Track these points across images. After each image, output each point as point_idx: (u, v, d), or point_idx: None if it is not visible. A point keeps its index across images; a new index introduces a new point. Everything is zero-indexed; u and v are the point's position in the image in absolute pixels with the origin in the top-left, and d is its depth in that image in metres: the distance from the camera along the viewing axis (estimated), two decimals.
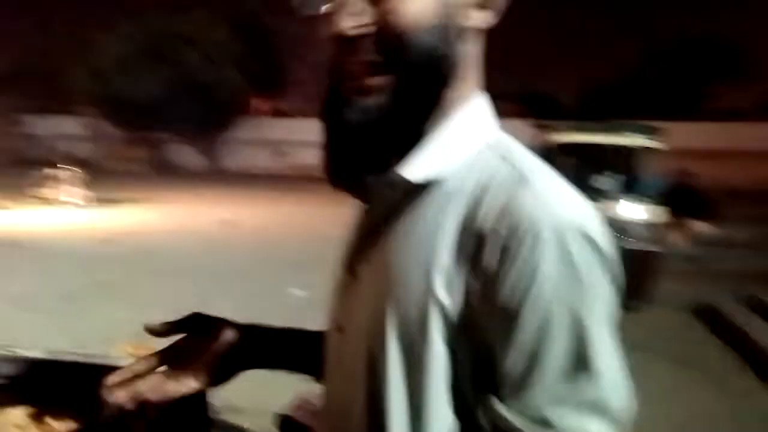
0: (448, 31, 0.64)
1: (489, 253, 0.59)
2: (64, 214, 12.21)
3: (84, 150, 27.43)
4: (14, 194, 12.89)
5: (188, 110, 25.67)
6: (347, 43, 0.63)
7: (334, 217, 11.72)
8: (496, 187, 0.62)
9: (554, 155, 6.64)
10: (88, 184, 13.60)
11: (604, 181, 5.86)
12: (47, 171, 13.33)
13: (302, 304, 6.09)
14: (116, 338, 4.90)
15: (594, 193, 5.92)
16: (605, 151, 6.48)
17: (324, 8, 0.64)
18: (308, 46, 29.59)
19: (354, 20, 0.62)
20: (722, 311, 5.91)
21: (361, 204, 0.77)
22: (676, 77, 30.93)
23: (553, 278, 0.57)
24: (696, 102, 31.54)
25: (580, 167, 6.48)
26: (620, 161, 6.54)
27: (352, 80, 0.64)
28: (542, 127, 7.04)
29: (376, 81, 0.63)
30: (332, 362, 0.76)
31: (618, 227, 5.95)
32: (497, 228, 0.59)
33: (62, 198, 13.06)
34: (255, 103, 31.44)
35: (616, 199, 6.12)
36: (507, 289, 0.57)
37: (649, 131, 6.71)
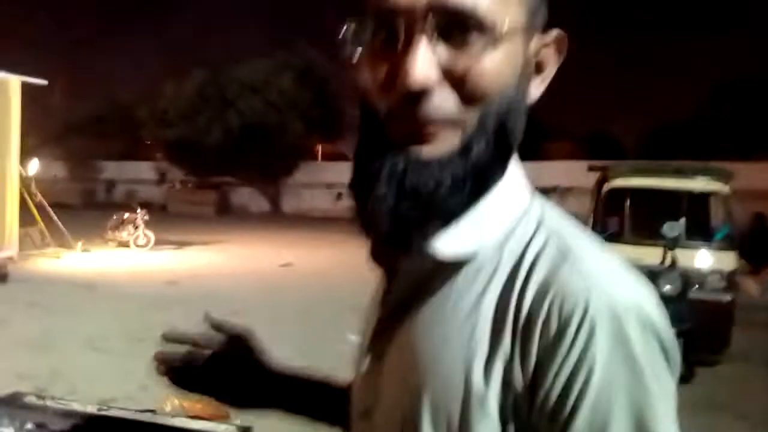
0: (523, 97, 0.60)
1: (537, 342, 0.53)
2: (136, 256, 12.74)
3: (154, 194, 28.77)
4: (92, 237, 13.59)
5: (253, 156, 26.60)
6: (415, 94, 0.55)
7: None
8: (537, 262, 0.57)
9: (621, 201, 6.43)
10: (158, 227, 14.18)
11: (675, 228, 5.60)
12: (122, 215, 14.02)
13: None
14: None
15: (665, 241, 5.67)
16: (677, 197, 6.21)
17: (384, 48, 0.57)
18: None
19: (431, 71, 0.54)
20: None
21: (384, 275, 0.68)
22: (743, 116, 29.76)
23: (612, 374, 0.51)
24: (765, 142, 30.16)
25: (649, 213, 6.24)
26: (692, 206, 6.25)
27: (411, 129, 0.57)
28: (604, 169, 6.85)
29: (442, 133, 0.56)
30: None
31: (691, 277, 5.67)
32: (545, 312, 0.53)
33: (135, 241, 13.66)
34: (316, 147, 32.30)
35: (688, 246, 5.84)
36: (560, 385, 0.52)
37: (721, 174, 6.43)
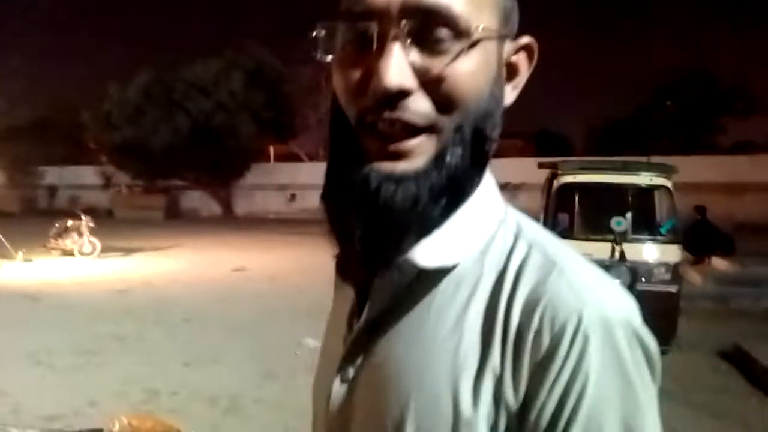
0: (497, 104, 0.59)
1: (529, 356, 0.52)
2: (81, 264, 12.28)
3: (100, 199, 27.83)
4: (34, 246, 13.02)
5: (202, 158, 26.05)
6: (389, 98, 0.53)
7: None
8: (522, 273, 0.56)
9: (571, 197, 6.57)
10: (104, 234, 13.71)
11: (622, 223, 5.77)
12: (66, 222, 13.48)
13: (314, 354, 6.00)
14: (129, 395, 4.85)
15: (613, 236, 5.82)
16: (623, 192, 6.40)
17: (357, 52, 0.55)
18: (319, 92, 30.07)
19: (404, 75, 0.53)
20: (750, 353, 5.73)
21: (354, 289, 0.64)
22: (683, 113, 31.03)
23: (605, 387, 0.51)
24: (704, 136, 31.58)
25: (598, 209, 6.40)
26: (638, 201, 6.45)
27: (383, 141, 0.55)
28: (554, 166, 6.99)
29: (416, 143, 0.55)
30: None
31: (639, 270, 5.84)
32: (536, 325, 0.52)
33: (80, 248, 13.16)
34: (268, 148, 31.90)
35: (635, 240, 6.02)
36: (555, 400, 0.51)
37: (665, 169, 6.65)
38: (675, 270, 6.08)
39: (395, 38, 0.53)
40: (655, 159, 12.96)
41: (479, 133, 0.57)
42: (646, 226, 6.36)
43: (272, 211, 27.99)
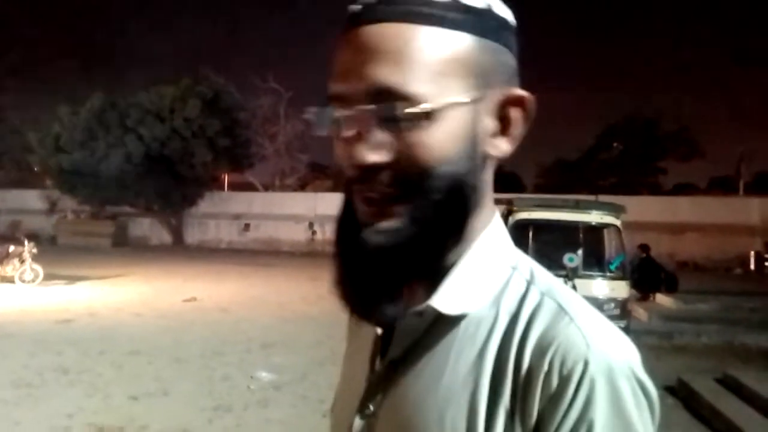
0: (473, 162, 0.62)
1: (539, 398, 0.56)
2: (21, 292, 11.74)
3: (43, 225, 26.77)
4: None
5: (154, 185, 25.49)
6: (364, 172, 0.60)
7: (300, 293, 11.57)
8: (535, 318, 0.60)
9: (526, 233, 6.74)
10: (47, 261, 13.17)
11: (574, 259, 5.95)
12: (6, 247, 12.89)
13: (268, 388, 5.89)
14: (73, 429, 4.63)
15: (565, 271, 5.98)
16: (575, 229, 6.61)
17: (342, 133, 0.61)
18: (275, 123, 29.94)
19: (373, 152, 0.59)
20: (694, 389, 5.93)
21: (367, 330, 0.71)
22: (628, 154, 32.42)
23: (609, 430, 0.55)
24: (648, 177, 33.02)
25: (551, 245, 6.59)
26: (589, 238, 6.68)
27: (368, 205, 0.62)
28: (509, 203, 7.18)
29: (392, 208, 0.61)
30: None
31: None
32: (546, 368, 0.56)
33: (21, 275, 12.59)
34: (223, 177, 31.50)
35: (586, 276, 6.21)
36: None
37: (615, 208, 6.92)
38: (624, 306, 6.29)
39: (360, 120, 0.59)
40: (603, 198, 13.45)
41: (454, 192, 0.61)
42: (596, 262, 6.58)
43: (225, 241, 27.53)
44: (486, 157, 0.64)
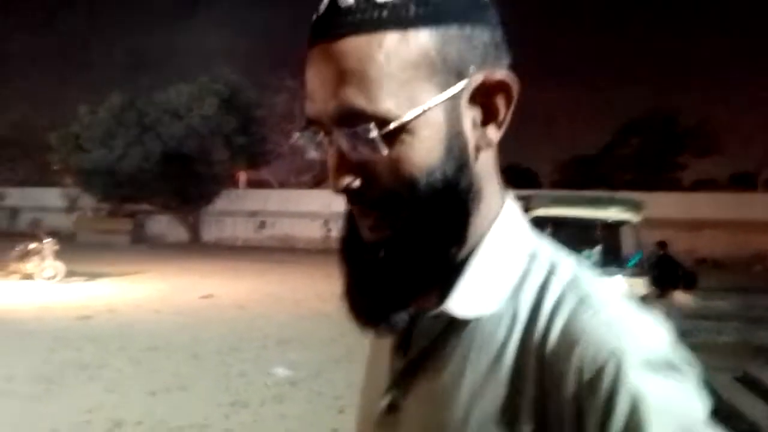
0: (460, 160, 0.59)
1: (567, 397, 0.53)
2: (42, 289, 11.92)
3: (63, 222, 27.16)
4: None
5: (172, 183, 25.74)
6: (349, 193, 0.60)
7: (316, 290, 11.61)
8: (558, 310, 0.56)
9: (543, 230, 6.69)
10: (67, 258, 13.36)
11: (591, 256, 5.90)
12: (28, 245, 13.11)
13: (284, 384, 5.92)
14: (93, 424, 4.70)
15: None
16: (593, 226, 6.56)
17: (323, 157, 0.61)
18: (290, 120, 30.09)
19: (353, 174, 0.59)
20: (713, 387, 5.85)
21: (387, 335, 0.69)
22: (646, 150, 32.05)
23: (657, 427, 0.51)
24: (666, 173, 32.62)
25: (569, 241, 6.53)
26: (607, 235, 6.62)
27: (363, 220, 0.62)
28: (526, 199, 7.13)
29: (388, 222, 0.61)
30: None
31: None
32: (573, 365, 0.53)
33: (41, 272, 12.79)
34: (239, 174, 31.71)
35: (604, 273, 6.15)
36: None
37: (633, 204, 6.85)
38: (638, 302, 6.22)
39: (334, 142, 0.59)
40: (620, 194, 13.32)
41: (445, 196, 0.59)
42: (614, 259, 6.52)
43: (241, 238, 27.71)
44: (475, 149, 0.61)
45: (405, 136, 0.57)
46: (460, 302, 0.60)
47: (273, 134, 30.30)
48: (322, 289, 12.70)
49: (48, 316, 9.18)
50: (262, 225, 28.16)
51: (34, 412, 4.95)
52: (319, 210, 26.74)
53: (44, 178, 31.20)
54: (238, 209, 28.34)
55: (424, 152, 0.58)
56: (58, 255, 13.19)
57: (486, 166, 0.63)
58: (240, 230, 28.18)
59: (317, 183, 33.10)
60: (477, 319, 0.60)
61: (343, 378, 6.09)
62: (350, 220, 0.65)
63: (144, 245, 24.93)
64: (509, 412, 0.56)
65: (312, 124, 0.60)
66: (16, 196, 30.78)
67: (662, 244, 12.63)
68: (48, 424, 4.65)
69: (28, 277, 12.72)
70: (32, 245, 13.08)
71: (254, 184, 32.04)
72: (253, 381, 6.01)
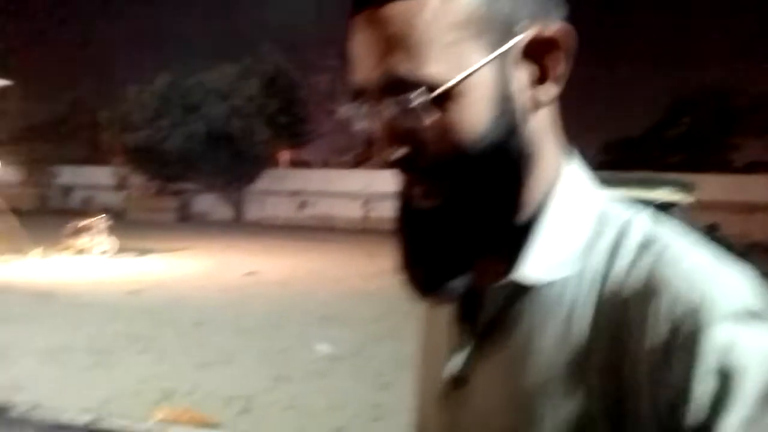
0: (512, 122, 0.58)
1: (645, 357, 0.50)
2: (94, 263, 12.40)
3: (113, 200, 28.06)
4: (48, 244, 13.17)
5: (216, 162, 26.23)
6: (399, 163, 0.59)
7: (357, 269, 11.68)
8: (631, 270, 0.54)
9: None
10: (117, 235, 13.85)
11: None
12: (81, 221, 13.64)
13: (327, 360, 6.04)
14: (144, 394, 4.90)
15: None
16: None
17: (371, 128, 0.60)
18: (332, 100, 30.11)
19: (402, 144, 0.58)
20: None
21: (447, 306, 0.69)
22: (697, 130, 30.91)
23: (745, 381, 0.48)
24: (718, 154, 31.42)
25: None
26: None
27: (415, 189, 0.61)
28: None
29: (440, 189, 0.59)
30: None
31: None
32: (649, 323, 0.51)
33: (93, 248, 13.30)
34: (281, 154, 32.08)
35: None
36: (699, 400, 0.48)
37: (682, 186, 6.64)
38: None
39: (382, 112, 0.58)
40: (670, 176, 12.93)
41: (497, 159, 0.57)
42: None
43: (282, 217, 28.09)
44: (529, 109, 0.59)
45: (452, 101, 0.56)
46: (530, 268, 0.59)
47: (315, 114, 30.50)
48: (362, 268, 12.82)
49: (101, 290, 9.56)
50: (303, 204, 28.46)
51: (91, 381, 5.20)
52: (359, 190, 26.84)
53: (96, 157, 32.22)
54: (279, 189, 28.69)
55: (474, 115, 0.56)
56: (110, 231, 13.68)
57: (543, 126, 0.61)
58: (281, 209, 28.54)
59: (357, 163, 33.23)
60: (546, 286, 0.59)
61: (385, 355, 6.17)
62: (404, 190, 0.63)
63: (189, 223, 25.58)
64: (584, 373, 0.54)
65: (359, 95, 0.60)
66: (68, 174, 31.91)
67: (713, 227, 12.24)
68: (104, 393, 4.87)
69: (81, 252, 13.24)
70: (85, 222, 13.59)
71: (296, 163, 32.36)
72: (296, 356, 6.15)
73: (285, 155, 32.65)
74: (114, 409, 4.42)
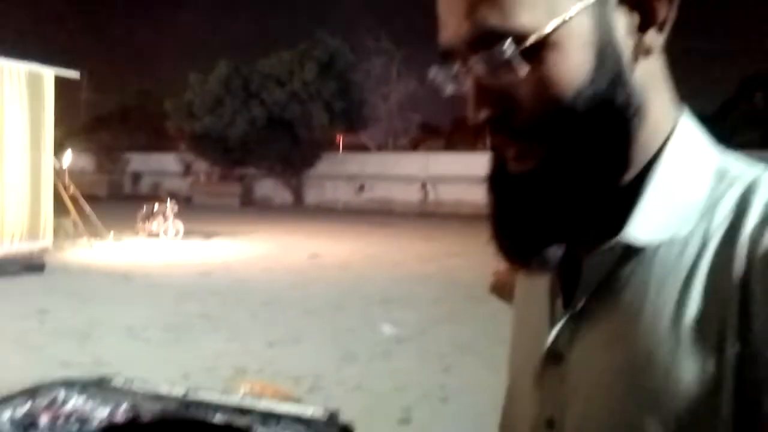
0: (614, 72, 0.53)
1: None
2: (165, 247, 12.96)
3: (179, 186, 29.13)
4: (121, 227, 13.86)
5: (276, 147, 26.78)
6: (490, 124, 0.56)
7: (415, 252, 11.71)
8: (764, 227, 0.50)
9: None
10: (185, 219, 14.41)
11: None
12: (152, 206, 14.29)
13: (391, 341, 6.13)
14: (218, 370, 5.14)
15: None
16: None
17: (461, 89, 0.57)
18: (388, 84, 30.00)
19: (493, 103, 0.55)
20: None
21: (543, 276, 0.64)
22: None
23: None
24: None
25: None
26: None
27: (508, 151, 0.57)
28: None
29: (523, 149, 0.56)
30: None
31: None
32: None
33: (164, 232, 13.91)
34: (339, 138, 32.40)
35: None
36: None
37: (760, 166, 6.34)
38: None
39: (471, 70, 0.54)
40: (744, 154, 12.27)
41: (598, 114, 0.53)
42: None
43: (341, 201, 28.43)
44: (634, 58, 0.55)
45: (547, 52, 0.52)
46: (640, 229, 0.54)
47: (371, 98, 30.56)
48: (421, 252, 12.88)
49: (173, 271, 10.00)
50: (361, 188, 28.69)
51: (167, 357, 5.48)
52: (417, 173, 26.84)
53: (162, 145, 33.51)
54: (338, 173, 29.02)
55: (571, 68, 0.52)
56: (178, 216, 14.26)
57: (649, 77, 0.56)
58: (340, 193, 28.89)
59: (414, 146, 33.17)
60: (655, 251, 0.54)
61: (447, 337, 6.22)
62: (496, 155, 0.60)
63: (252, 207, 26.28)
64: (710, 340, 0.50)
65: (447, 55, 0.57)
66: (138, 161, 33.34)
67: None
68: (180, 369, 5.13)
69: (153, 235, 13.87)
70: (157, 206, 14.21)
71: (353, 147, 32.62)
72: (360, 337, 6.28)
73: (343, 139, 32.96)
74: (190, 382, 4.67)
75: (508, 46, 0.51)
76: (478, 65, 0.53)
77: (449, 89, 0.58)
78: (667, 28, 0.55)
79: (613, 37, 0.53)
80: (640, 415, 0.52)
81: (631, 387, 0.53)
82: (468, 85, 0.56)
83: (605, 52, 0.53)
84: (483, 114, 0.55)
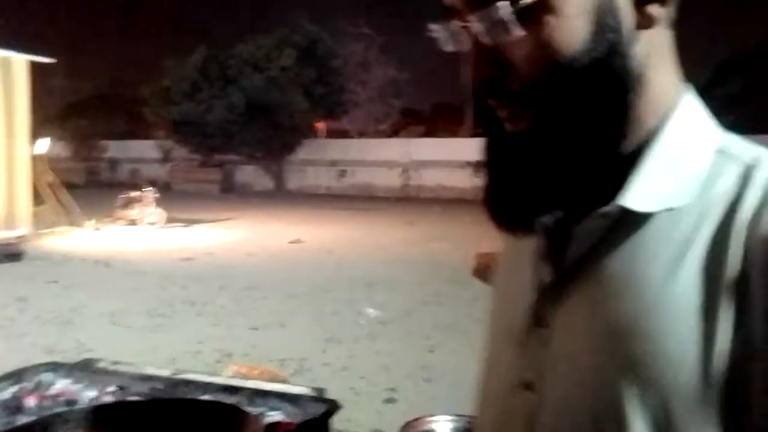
0: (613, 40, 0.53)
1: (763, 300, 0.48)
2: (145, 234, 12.83)
3: (158, 172, 28.78)
4: (100, 215, 13.67)
5: (256, 133, 26.53)
6: (488, 85, 0.56)
7: (397, 236, 11.74)
8: (764, 205, 0.51)
9: None
10: (165, 206, 14.25)
11: None
12: (131, 193, 14.10)
13: (375, 324, 6.18)
14: (204, 354, 5.13)
15: None
16: None
17: (461, 48, 0.58)
18: (368, 70, 29.87)
19: (491, 63, 0.55)
20: None
21: (529, 242, 0.64)
22: (749, 90, 29.54)
23: None
24: None
25: None
26: None
27: (505, 114, 0.58)
28: None
29: (520, 111, 0.56)
30: (514, 424, 0.62)
31: None
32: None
33: (143, 219, 13.75)
34: (319, 124, 32.20)
35: None
36: None
37: None
38: None
39: (470, 31, 0.55)
40: None
41: (596, 80, 0.53)
42: None
43: (323, 187, 28.33)
44: (637, 27, 0.55)
45: (546, 15, 0.52)
46: (636, 196, 0.54)
47: (351, 84, 30.38)
48: (403, 235, 12.92)
49: (154, 258, 9.91)
50: (343, 174, 28.61)
51: (151, 343, 5.46)
52: (397, 158, 26.81)
53: (140, 131, 33.00)
54: (319, 158, 28.87)
55: (568, 33, 0.52)
56: (157, 203, 14.10)
57: (653, 48, 0.56)
58: (321, 179, 28.77)
59: (395, 132, 33.08)
60: (650, 220, 0.55)
61: (431, 319, 6.27)
62: (492, 116, 0.59)
63: (232, 194, 26.10)
64: (701, 311, 0.50)
65: (448, 14, 0.57)
66: (115, 148, 32.80)
67: None
68: (165, 353, 5.12)
69: (132, 222, 13.70)
70: (135, 193, 14.04)
71: (334, 133, 32.44)
72: (345, 319, 6.31)
73: (323, 125, 32.76)
74: (175, 367, 4.66)
75: (505, 6, 0.52)
76: (475, 24, 0.54)
77: (449, 47, 0.59)
78: (672, 1, 0.56)
79: (614, 6, 0.53)
80: (621, 380, 0.52)
81: (614, 352, 0.53)
82: (467, 45, 0.57)
83: (604, 19, 0.53)
84: (482, 75, 0.56)
